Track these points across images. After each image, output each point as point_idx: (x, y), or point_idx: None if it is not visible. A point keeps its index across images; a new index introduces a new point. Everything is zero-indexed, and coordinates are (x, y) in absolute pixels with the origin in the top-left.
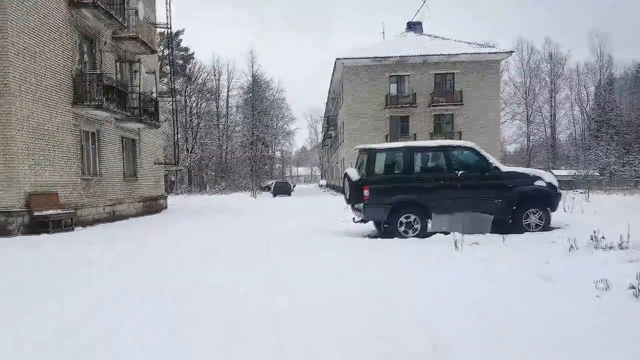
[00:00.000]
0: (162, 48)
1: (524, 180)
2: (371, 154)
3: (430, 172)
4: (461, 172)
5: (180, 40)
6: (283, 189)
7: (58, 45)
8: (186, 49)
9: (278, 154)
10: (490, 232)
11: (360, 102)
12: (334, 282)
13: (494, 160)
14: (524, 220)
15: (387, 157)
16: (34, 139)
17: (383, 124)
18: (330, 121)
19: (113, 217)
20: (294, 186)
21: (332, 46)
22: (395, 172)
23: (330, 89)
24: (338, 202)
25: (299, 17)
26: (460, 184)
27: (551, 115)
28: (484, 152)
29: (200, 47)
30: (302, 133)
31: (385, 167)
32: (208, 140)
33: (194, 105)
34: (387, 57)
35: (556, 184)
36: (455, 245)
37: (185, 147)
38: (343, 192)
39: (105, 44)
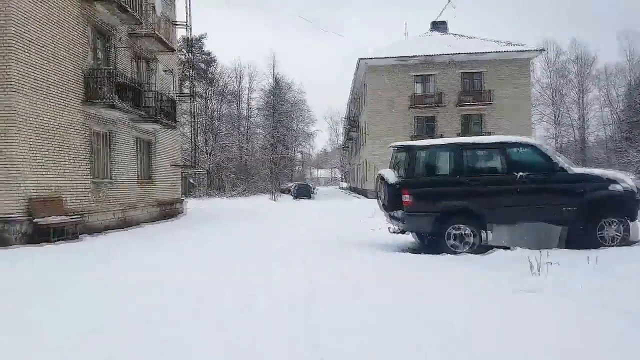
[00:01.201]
0: (184, 52)
1: (597, 183)
2: (412, 152)
3: (484, 174)
4: (521, 173)
5: (203, 44)
6: (304, 192)
7: (68, 39)
8: (208, 53)
9: (298, 155)
10: (559, 247)
11: (384, 102)
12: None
13: (560, 160)
14: (598, 232)
15: (431, 155)
16: (38, 139)
17: (408, 124)
18: (351, 122)
19: (125, 223)
20: (315, 188)
21: (349, 47)
22: (442, 173)
23: (352, 89)
24: (363, 205)
25: (313, 18)
26: (521, 188)
27: (580, 117)
28: (548, 150)
29: (222, 51)
30: (323, 135)
31: (429, 168)
32: (228, 143)
33: (215, 107)
34: (411, 57)
35: (636, 188)
36: (532, 268)
37: (205, 149)
38: (377, 196)
39: (120, 41)
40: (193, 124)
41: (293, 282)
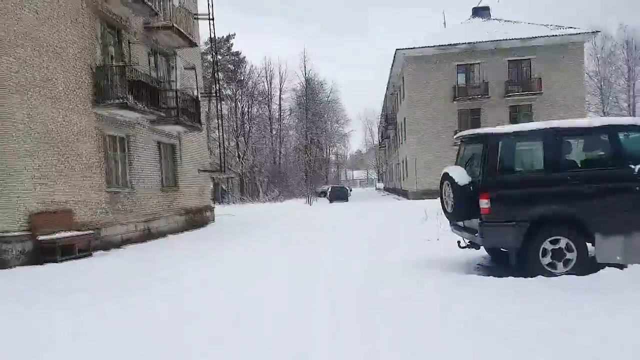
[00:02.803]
0: (212, 53)
1: None
2: (490, 141)
3: (589, 168)
4: (639, 166)
5: (231, 44)
6: (340, 195)
7: (73, 33)
8: (237, 54)
9: (333, 157)
10: None
11: (424, 95)
12: None
13: None
14: None
15: (516, 146)
16: (40, 146)
17: (451, 117)
18: (388, 120)
19: (148, 235)
20: (351, 190)
21: (377, 48)
22: (532, 169)
23: (388, 85)
24: (406, 207)
25: (337, 22)
26: (639, 186)
27: (629, 105)
28: None
29: (250, 51)
30: (357, 135)
31: (515, 162)
32: (261, 145)
33: (246, 109)
34: (453, 45)
35: None
36: None
37: (237, 153)
38: (441, 202)
39: (135, 35)
40: (220, 125)
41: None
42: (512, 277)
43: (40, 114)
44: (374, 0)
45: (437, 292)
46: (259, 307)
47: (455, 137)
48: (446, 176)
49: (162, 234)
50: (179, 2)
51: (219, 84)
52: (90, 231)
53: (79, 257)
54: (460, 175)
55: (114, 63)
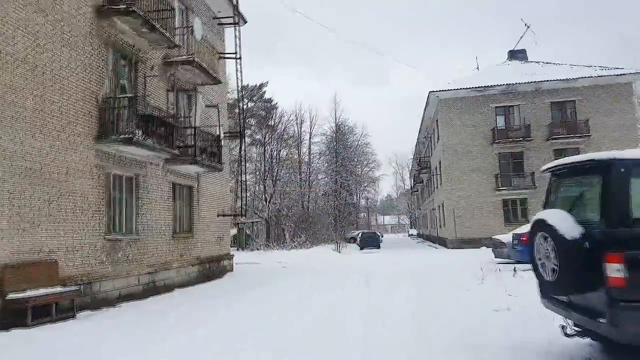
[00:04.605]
0: (238, 92)
1: None
2: (619, 171)
3: None
4: None
5: (264, 92)
6: (371, 241)
7: (77, 63)
8: (269, 100)
9: (363, 202)
10: None
11: (460, 138)
12: None
13: None
14: None
15: None
16: (23, 184)
17: (490, 161)
18: (421, 163)
19: (153, 289)
20: (382, 236)
21: (401, 94)
22: None
23: (420, 128)
24: (449, 258)
25: (361, 70)
26: None
27: None
28: None
29: (281, 96)
30: (388, 180)
31: None
32: (289, 189)
33: (275, 153)
34: (491, 87)
35: None
36: None
37: (263, 196)
38: (532, 264)
39: (152, 69)
40: (243, 166)
41: None
42: None
43: (27, 147)
44: (397, 43)
45: None
46: None
47: (546, 168)
48: (542, 225)
49: (169, 288)
50: (202, 36)
51: (244, 125)
52: (75, 287)
53: (58, 320)
54: (567, 224)
55: (121, 95)
